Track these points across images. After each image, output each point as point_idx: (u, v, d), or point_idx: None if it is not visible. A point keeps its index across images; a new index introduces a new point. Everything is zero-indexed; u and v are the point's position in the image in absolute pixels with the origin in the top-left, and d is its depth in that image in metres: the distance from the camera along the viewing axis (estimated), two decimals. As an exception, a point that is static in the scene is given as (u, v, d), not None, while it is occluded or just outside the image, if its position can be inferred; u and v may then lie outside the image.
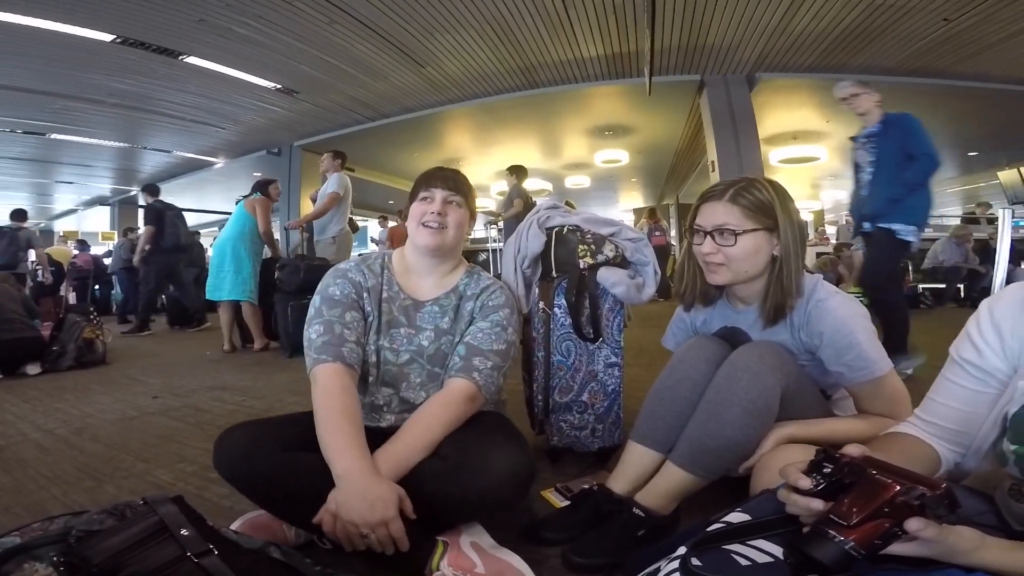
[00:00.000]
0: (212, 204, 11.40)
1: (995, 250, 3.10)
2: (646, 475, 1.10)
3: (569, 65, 6.38)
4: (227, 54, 5.70)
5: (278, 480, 0.94)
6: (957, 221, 7.74)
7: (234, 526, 1.03)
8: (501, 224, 6.02)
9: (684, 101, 7.35)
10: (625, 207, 15.50)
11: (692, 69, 6.52)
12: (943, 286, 6.26)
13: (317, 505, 0.88)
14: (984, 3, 4.56)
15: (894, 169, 2.46)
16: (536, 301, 1.49)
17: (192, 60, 5.76)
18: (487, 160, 9.83)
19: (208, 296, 4.07)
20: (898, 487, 0.54)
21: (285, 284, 3.67)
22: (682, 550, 0.63)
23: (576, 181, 11.90)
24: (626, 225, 1.52)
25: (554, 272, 1.47)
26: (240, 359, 3.70)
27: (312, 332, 1.10)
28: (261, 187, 4.24)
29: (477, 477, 0.94)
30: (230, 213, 4.32)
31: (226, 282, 3.91)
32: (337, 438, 0.94)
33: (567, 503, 1.21)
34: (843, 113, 7.52)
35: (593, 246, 1.45)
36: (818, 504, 0.59)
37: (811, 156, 9.49)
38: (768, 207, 1.05)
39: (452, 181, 1.20)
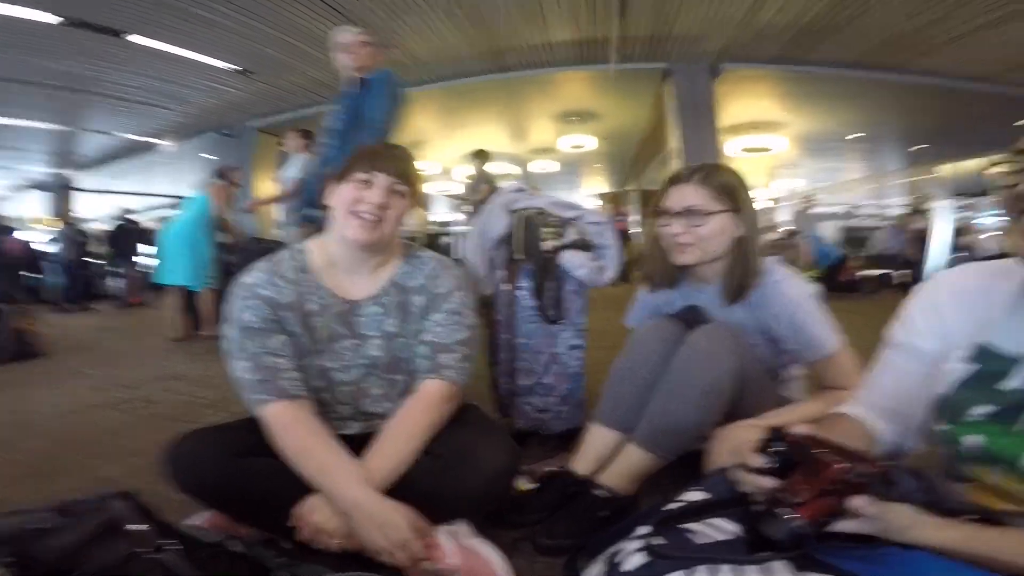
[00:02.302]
0: (159, 188, 10.87)
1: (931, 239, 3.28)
2: (608, 456, 1.12)
3: (539, 49, 6.32)
4: (181, 35, 5.41)
5: (234, 488, 0.90)
6: (900, 211, 8.16)
7: (193, 521, 0.99)
8: (467, 208, 5.97)
9: (649, 89, 7.39)
10: (589, 192, 15.60)
11: (658, 57, 6.56)
12: (884, 272, 6.72)
13: (278, 510, 0.87)
14: (945, 1, 4.74)
15: (345, 139, 1.95)
16: (500, 283, 1.49)
17: (140, 40, 5.44)
18: (452, 143, 9.69)
19: (159, 280, 3.90)
20: (840, 466, 0.56)
21: (239, 268, 3.52)
22: (644, 529, 0.64)
23: (542, 166, 11.87)
24: (589, 209, 1.54)
25: (519, 254, 1.47)
26: (191, 347, 3.56)
27: (239, 369, 0.97)
28: (221, 173, 4.07)
29: (472, 474, 0.94)
30: (178, 197, 4.15)
31: (180, 267, 3.76)
32: (325, 474, 0.88)
33: (533, 486, 1.22)
34: (802, 105, 7.87)
35: (557, 229, 1.45)
36: (768, 482, 0.60)
37: (768, 146, 9.75)
38: (733, 190, 1.11)
39: (401, 165, 1.03)
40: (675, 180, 1.14)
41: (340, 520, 0.86)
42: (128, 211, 7.64)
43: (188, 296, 3.87)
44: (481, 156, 5.35)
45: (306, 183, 1.94)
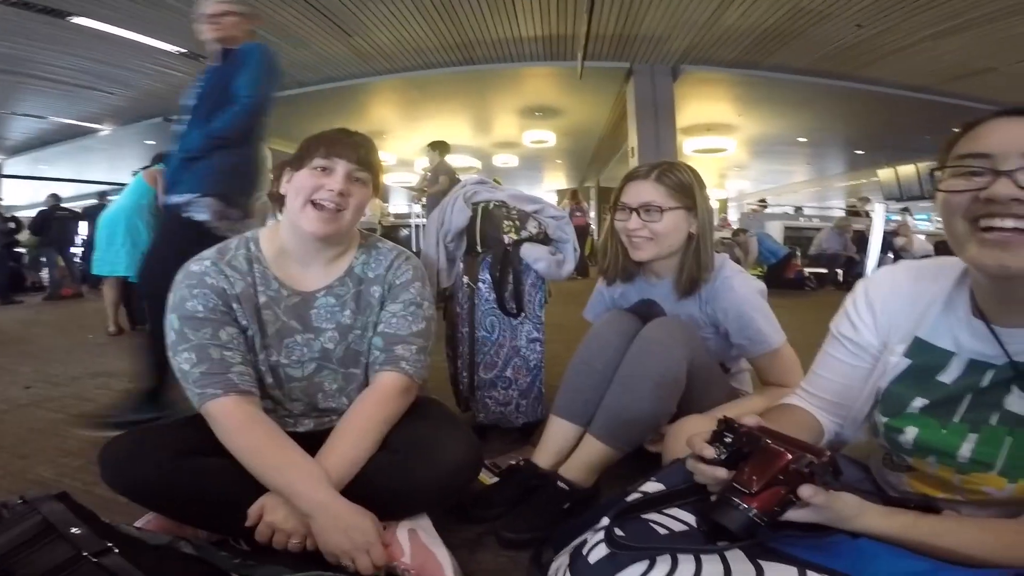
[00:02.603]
0: (94, 174, 10.19)
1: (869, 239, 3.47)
2: (568, 448, 1.13)
3: (506, 44, 6.29)
4: (127, 16, 5.08)
5: (180, 491, 0.85)
6: (841, 213, 8.64)
7: (138, 524, 0.94)
8: (424, 200, 5.86)
9: (612, 87, 7.49)
10: (549, 187, 15.74)
11: (623, 57, 6.65)
12: (825, 271, 7.06)
13: (229, 511, 0.83)
14: (894, 12, 4.98)
15: (206, 116, 1.66)
16: (460, 276, 1.48)
17: (81, 21, 5.08)
18: (413, 135, 9.53)
19: (95, 271, 3.65)
20: (790, 455, 0.57)
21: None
22: (605, 521, 0.65)
23: (504, 160, 11.89)
24: (549, 203, 1.54)
25: (479, 247, 1.46)
26: (128, 342, 3.32)
27: (182, 361, 0.90)
28: (159, 158, 3.85)
29: (430, 469, 0.92)
30: (115, 184, 3.86)
31: (120, 257, 3.52)
32: (284, 475, 0.84)
33: (496, 480, 1.22)
34: (754, 109, 8.16)
35: (518, 222, 1.45)
36: (721, 473, 0.62)
37: (721, 147, 10.09)
38: (688, 188, 1.13)
39: (362, 151, 0.98)
40: (633, 176, 1.16)
41: (298, 519, 0.83)
42: (58, 198, 7.12)
43: (126, 288, 3.64)
44: (439, 148, 5.25)
45: (167, 168, 1.73)
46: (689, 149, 9.88)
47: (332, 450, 0.90)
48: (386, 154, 10.88)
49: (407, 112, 8.69)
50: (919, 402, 0.69)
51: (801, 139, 9.94)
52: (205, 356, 0.90)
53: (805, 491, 0.56)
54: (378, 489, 0.89)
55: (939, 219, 0.68)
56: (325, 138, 0.98)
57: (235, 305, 0.95)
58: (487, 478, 1.28)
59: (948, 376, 0.68)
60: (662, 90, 6.90)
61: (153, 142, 8.33)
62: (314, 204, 0.94)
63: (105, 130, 8.81)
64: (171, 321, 0.93)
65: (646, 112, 6.92)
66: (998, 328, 0.63)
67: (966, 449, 0.64)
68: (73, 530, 0.66)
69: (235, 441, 0.87)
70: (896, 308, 0.73)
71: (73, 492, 0.75)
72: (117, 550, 0.65)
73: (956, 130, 0.63)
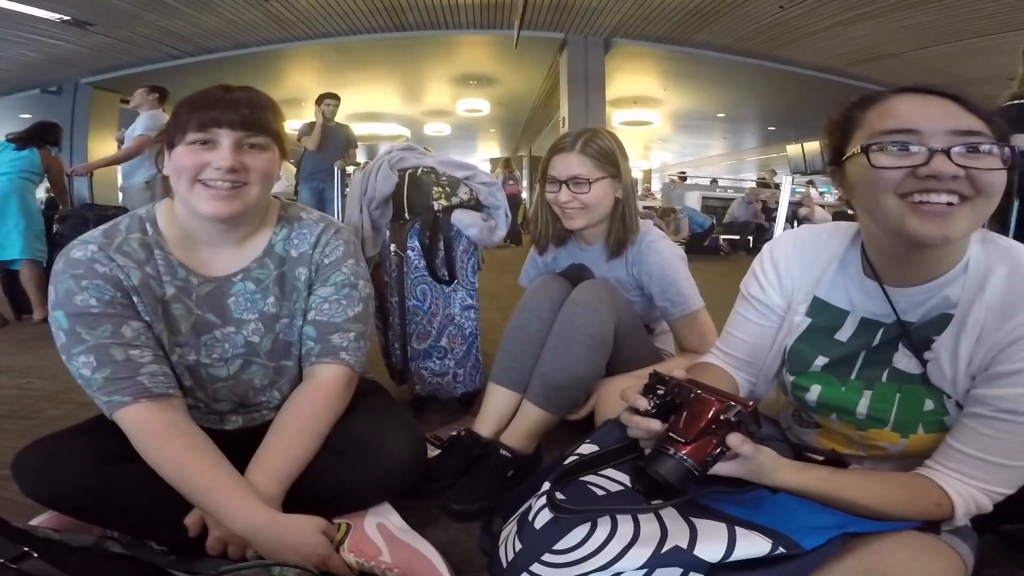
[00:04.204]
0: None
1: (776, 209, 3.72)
2: (508, 415, 1.13)
3: (441, 10, 6.08)
4: None
5: (107, 501, 0.77)
6: (752, 185, 9.27)
7: (38, 521, 0.84)
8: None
9: (546, 57, 7.47)
10: (483, 156, 15.61)
11: (558, 27, 6.63)
12: (737, 237, 7.70)
13: (164, 520, 0.77)
14: None
15: None
16: (387, 244, 1.42)
17: None
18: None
19: None
20: (720, 403, 0.59)
21: (69, 239, 2.93)
22: (546, 486, 0.65)
23: (436, 128, 11.62)
24: (480, 169, 1.50)
25: (407, 214, 1.40)
26: (16, 334, 2.93)
27: (81, 366, 0.77)
28: (50, 134, 3.35)
29: (374, 469, 0.87)
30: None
31: (14, 239, 3.02)
32: (212, 498, 0.75)
33: (438, 452, 1.20)
34: (678, 84, 8.41)
35: (448, 188, 1.40)
36: (655, 424, 0.63)
37: (647, 120, 10.42)
38: (612, 155, 1.17)
39: (247, 111, 0.79)
40: (559, 148, 1.18)
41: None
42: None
43: (9, 274, 3.20)
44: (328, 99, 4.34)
45: None
46: (617, 121, 10.11)
47: (270, 455, 0.82)
48: (304, 121, 10.31)
49: (329, 79, 8.19)
50: (821, 360, 0.73)
51: (720, 115, 10.42)
52: (107, 358, 0.77)
53: (733, 439, 0.58)
54: (320, 491, 0.83)
55: (838, 192, 0.70)
56: (198, 103, 0.79)
57: (135, 298, 0.81)
58: (429, 451, 1.26)
59: (844, 334, 0.72)
60: (594, 62, 6.98)
61: (29, 115, 7.54)
62: (205, 184, 0.79)
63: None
64: (56, 320, 0.78)
65: (577, 83, 6.99)
66: (889, 288, 0.67)
67: (863, 406, 0.69)
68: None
69: (153, 455, 0.76)
70: (798, 269, 0.76)
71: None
72: (36, 555, 0.57)
73: (849, 106, 0.64)
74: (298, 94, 8.75)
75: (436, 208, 1.38)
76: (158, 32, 6.14)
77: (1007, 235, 1.64)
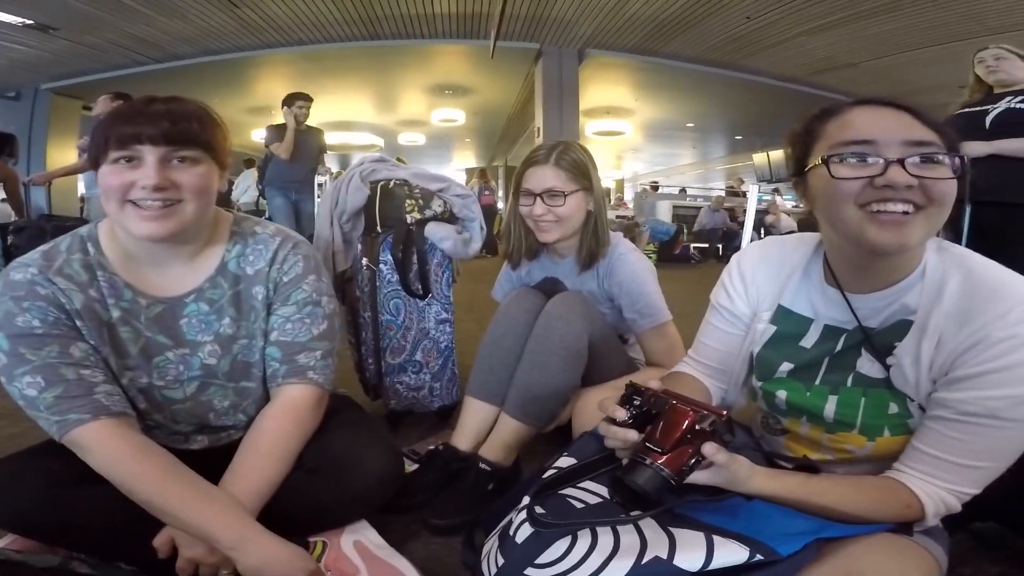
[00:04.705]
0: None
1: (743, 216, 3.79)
2: (486, 428, 1.13)
3: (417, 20, 6.07)
4: None
5: (64, 519, 0.74)
6: (720, 193, 9.52)
7: (2, 543, 0.80)
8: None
9: (522, 68, 7.52)
10: (459, 166, 15.61)
11: (533, 38, 6.69)
12: (707, 245, 7.86)
13: (117, 536, 0.75)
14: (779, 7, 5.39)
15: None
16: (359, 258, 1.40)
17: None
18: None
19: None
20: (695, 414, 0.60)
21: (24, 251, 2.82)
22: (526, 500, 0.65)
23: (410, 138, 11.57)
24: (455, 181, 1.50)
25: (379, 227, 1.38)
26: None
27: (25, 387, 0.72)
28: (5, 145, 3.22)
29: (351, 482, 0.85)
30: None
31: None
32: (194, 513, 0.72)
33: (415, 467, 1.19)
34: (650, 95, 8.55)
35: (421, 201, 1.39)
36: (633, 434, 0.63)
37: (619, 130, 10.58)
38: (585, 168, 1.18)
39: (169, 124, 0.73)
40: (533, 161, 1.18)
41: (224, 554, 0.73)
42: None
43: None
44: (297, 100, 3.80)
45: None
46: (590, 131, 10.24)
47: (240, 476, 0.79)
48: (270, 126, 10.16)
49: (301, 87, 8.03)
50: (786, 366, 0.75)
51: (689, 124, 10.66)
52: (56, 377, 0.73)
53: (708, 448, 0.59)
54: (294, 510, 0.81)
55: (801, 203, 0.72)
56: (118, 118, 0.74)
57: (78, 322, 0.77)
58: (407, 466, 1.25)
59: (808, 341, 0.74)
60: (568, 72, 7.06)
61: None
62: (135, 205, 0.74)
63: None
64: None
65: (552, 93, 7.06)
66: (850, 295, 0.69)
67: (829, 410, 0.70)
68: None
69: (122, 475, 0.72)
70: (763, 278, 0.78)
71: None
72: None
73: (810, 119, 0.67)
74: (269, 102, 8.62)
75: (409, 221, 1.37)
76: (125, 37, 5.98)
77: (960, 242, 1.72)
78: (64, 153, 6.87)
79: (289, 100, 3.74)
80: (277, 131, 3.73)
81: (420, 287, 1.39)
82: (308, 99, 3.82)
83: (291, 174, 3.76)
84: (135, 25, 5.64)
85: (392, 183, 1.39)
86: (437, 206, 1.41)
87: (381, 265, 1.37)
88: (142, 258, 0.82)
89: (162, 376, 0.84)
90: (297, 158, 3.72)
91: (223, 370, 0.87)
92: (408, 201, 1.37)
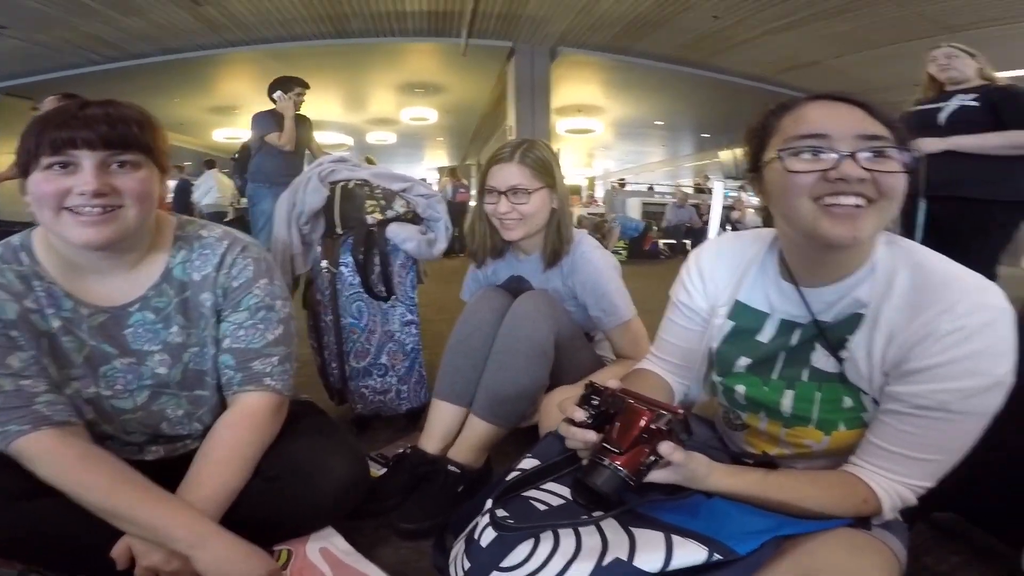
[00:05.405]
0: None
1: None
2: (454, 430, 1.12)
3: (387, 17, 5.98)
4: None
5: (22, 537, 0.72)
6: (688, 190, 9.72)
7: None
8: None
9: (494, 66, 7.50)
10: (431, 165, 15.49)
11: (506, 36, 6.66)
12: (674, 241, 7.98)
13: (88, 553, 0.72)
14: (746, 6, 5.48)
15: None
16: (319, 260, 1.36)
17: None
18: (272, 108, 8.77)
19: None
20: (651, 413, 0.60)
21: None
22: (489, 503, 0.64)
23: (380, 137, 11.43)
24: (419, 181, 1.47)
25: (339, 229, 1.35)
26: None
27: None
28: None
29: (314, 489, 0.84)
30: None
31: None
32: (149, 513, 0.70)
33: (384, 471, 1.18)
34: (620, 93, 8.64)
35: (383, 201, 1.37)
36: (591, 436, 0.63)
37: (590, 128, 10.66)
38: (548, 166, 1.18)
39: (107, 127, 0.71)
40: (498, 160, 1.18)
41: (181, 558, 0.71)
42: None
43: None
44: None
45: None
46: (562, 129, 10.29)
47: (197, 484, 0.77)
48: (239, 130, 9.92)
49: (265, 85, 7.91)
50: (744, 361, 0.76)
51: (658, 122, 10.80)
52: None
53: (664, 448, 0.59)
54: (256, 519, 0.79)
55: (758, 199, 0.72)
56: (50, 122, 0.71)
57: (14, 333, 0.74)
58: (375, 470, 1.23)
59: (765, 335, 0.74)
60: (540, 71, 7.07)
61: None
62: (73, 212, 0.71)
63: None
64: None
65: (524, 92, 7.07)
66: (804, 289, 0.69)
67: (786, 404, 0.71)
68: None
69: (73, 483, 0.71)
70: (720, 274, 0.78)
71: None
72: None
73: (766, 115, 0.67)
74: (232, 101, 8.43)
75: (371, 222, 1.35)
76: (79, 36, 5.75)
77: (915, 236, 1.77)
78: (11, 155, 6.58)
79: (285, 85, 3.32)
80: (272, 118, 3.23)
81: (383, 289, 1.36)
82: (306, 86, 3.46)
83: (289, 167, 3.20)
84: (91, 23, 5.44)
85: (352, 184, 1.36)
86: (400, 206, 1.39)
87: (342, 267, 1.34)
88: (82, 267, 0.79)
89: (110, 386, 0.81)
90: (295, 150, 3.30)
91: (175, 379, 0.85)
92: (369, 202, 1.35)
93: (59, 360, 0.78)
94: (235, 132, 10.35)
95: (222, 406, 0.88)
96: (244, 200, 3.91)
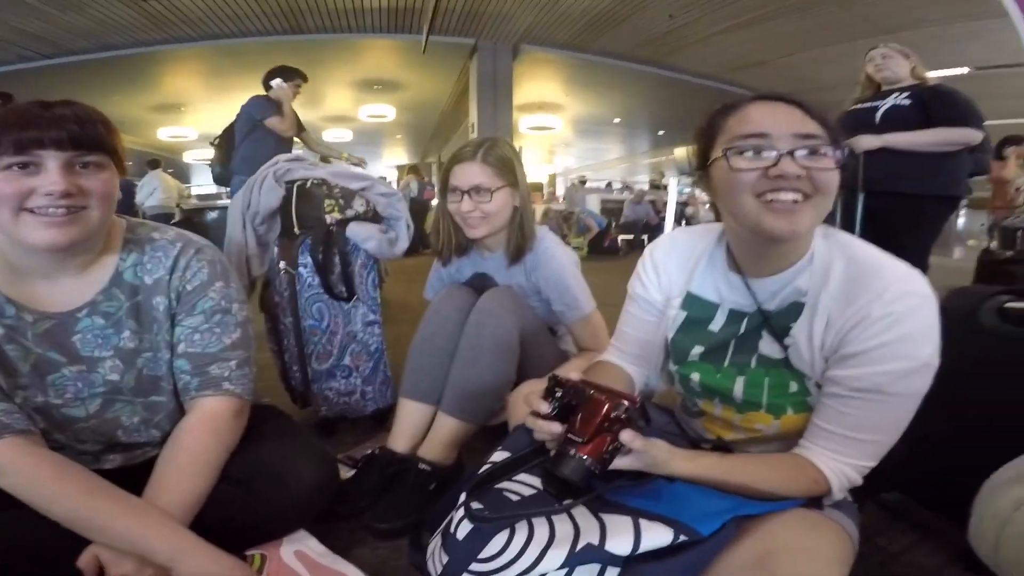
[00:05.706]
0: None
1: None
2: (423, 429, 1.12)
3: (344, 14, 5.87)
4: None
5: None
6: (645, 187, 10.00)
7: None
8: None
9: (456, 63, 7.45)
10: (389, 163, 15.27)
11: (468, 32, 6.63)
12: (632, 237, 8.18)
13: (36, 560, 0.69)
14: (699, 6, 5.61)
15: None
16: (276, 261, 1.33)
17: None
18: (223, 107, 8.39)
19: None
20: (610, 402, 0.62)
21: None
22: (463, 496, 0.65)
23: (337, 135, 11.16)
24: (378, 179, 1.46)
25: (296, 229, 1.32)
26: None
27: None
28: None
29: (282, 493, 0.83)
30: None
31: None
32: (123, 524, 0.69)
33: (352, 472, 1.16)
34: (580, 90, 8.73)
35: (342, 200, 1.34)
36: (556, 427, 0.65)
37: (551, 125, 10.77)
38: (510, 164, 1.18)
39: (75, 127, 0.70)
40: (460, 159, 1.18)
41: (156, 568, 0.69)
42: None
43: None
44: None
45: None
46: (524, 127, 10.34)
47: (162, 491, 0.75)
48: (186, 128, 9.50)
49: (213, 83, 7.63)
50: (697, 350, 0.79)
51: (616, 120, 11.00)
52: None
53: (625, 435, 0.61)
54: (225, 525, 0.77)
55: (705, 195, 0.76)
56: (11, 122, 0.68)
57: None
58: (344, 472, 1.21)
59: (716, 325, 0.78)
60: (502, 68, 7.09)
61: None
62: (34, 213, 0.69)
63: None
64: None
65: (486, 89, 7.07)
66: (750, 280, 0.73)
67: (738, 391, 0.74)
68: None
69: (41, 493, 0.69)
70: (673, 266, 0.82)
71: None
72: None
73: (712, 115, 0.70)
74: (178, 99, 8.07)
75: (329, 222, 1.32)
76: (10, 32, 5.40)
77: (854, 230, 1.85)
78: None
79: (286, 74, 3.16)
80: (270, 103, 3.04)
81: (344, 289, 1.34)
82: (306, 79, 3.32)
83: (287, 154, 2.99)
84: (24, 19, 5.12)
85: (309, 183, 1.33)
86: (359, 205, 1.37)
87: (300, 268, 1.31)
88: (28, 271, 0.76)
89: (59, 394, 0.78)
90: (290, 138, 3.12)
91: (128, 385, 0.82)
92: (328, 201, 1.32)
93: (5, 368, 0.75)
94: (182, 131, 9.93)
95: (180, 412, 0.86)
96: (193, 200, 3.69)
